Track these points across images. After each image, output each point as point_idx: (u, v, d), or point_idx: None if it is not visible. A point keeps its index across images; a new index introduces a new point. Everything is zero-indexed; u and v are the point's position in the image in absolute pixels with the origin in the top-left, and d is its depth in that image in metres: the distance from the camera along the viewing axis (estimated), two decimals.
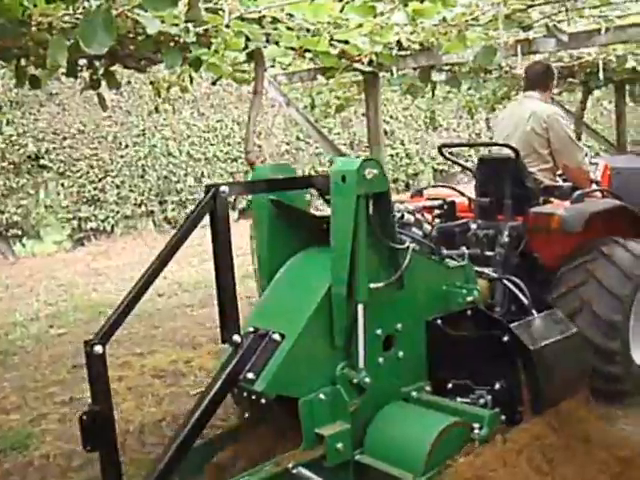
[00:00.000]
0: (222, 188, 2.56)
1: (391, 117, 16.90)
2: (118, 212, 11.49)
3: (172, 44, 3.86)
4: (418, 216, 3.21)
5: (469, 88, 8.66)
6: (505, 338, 2.98)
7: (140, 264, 9.82)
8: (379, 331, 2.84)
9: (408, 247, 2.85)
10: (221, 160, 12.58)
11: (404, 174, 15.98)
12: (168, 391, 4.82)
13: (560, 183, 4.41)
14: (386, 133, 16.96)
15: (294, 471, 2.57)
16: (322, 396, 2.69)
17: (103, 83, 4.82)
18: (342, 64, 4.61)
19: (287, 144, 13.97)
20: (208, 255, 11.62)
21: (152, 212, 11.73)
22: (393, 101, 16.13)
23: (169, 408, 4.48)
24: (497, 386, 3.00)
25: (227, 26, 3.36)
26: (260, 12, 3.26)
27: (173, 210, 11.89)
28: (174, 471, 2.43)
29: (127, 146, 11.51)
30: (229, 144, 12.71)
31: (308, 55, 4.85)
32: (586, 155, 4.58)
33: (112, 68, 4.86)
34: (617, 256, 3.80)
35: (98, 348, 2.21)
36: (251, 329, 2.80)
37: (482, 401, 3.01)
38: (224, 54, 4.22)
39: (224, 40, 3.47)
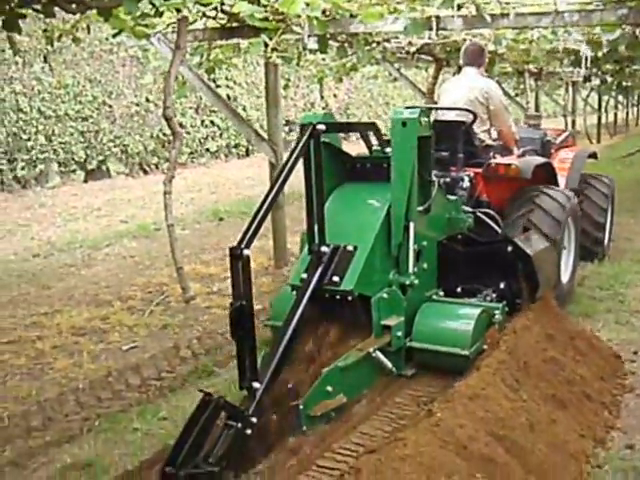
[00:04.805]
0: (319, 126, 2.99)
1: (234, 83, 16.97)
2: None
3: None
4: None
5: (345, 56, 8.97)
6: (509, 248, 3.98)
7: None
8: (415, 246, 3.52)
9: (435, 181, 3.63)
10: (72, 119, 11.95)
11: (245, 140, 16.19)
12: (98, 348, 4.71)
13: (494, 143, 5.31)
14: (229, 98, 17.01)
15: (373, 355, 3.28)
16: (385, 295, 3.38)
17: None
18: (278, 26, 4.73)
19: (137, 105, 13.58)
20: (70, 215, 10.87)
21: (0, 171, 10.87)
22: (237, 67, 16.16)
23: (108, 364, 4.42)
24: (501, 286, 4.03)
25: None
26: None
27: (23, 169, 11.08)
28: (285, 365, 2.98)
29: None
30: (80, 102, 12.09)
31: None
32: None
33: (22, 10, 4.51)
34: (553, 193, 4.87)
35: (247, 252, 2.51)
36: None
37: (489, 299, 3.95)
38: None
39: None
